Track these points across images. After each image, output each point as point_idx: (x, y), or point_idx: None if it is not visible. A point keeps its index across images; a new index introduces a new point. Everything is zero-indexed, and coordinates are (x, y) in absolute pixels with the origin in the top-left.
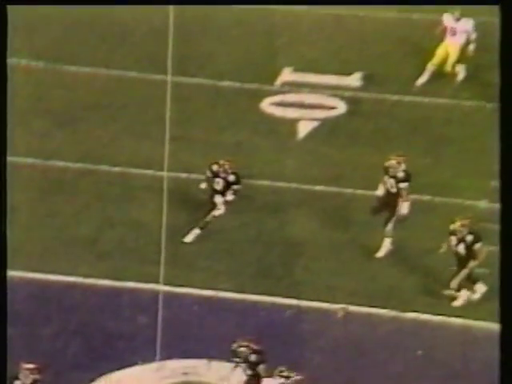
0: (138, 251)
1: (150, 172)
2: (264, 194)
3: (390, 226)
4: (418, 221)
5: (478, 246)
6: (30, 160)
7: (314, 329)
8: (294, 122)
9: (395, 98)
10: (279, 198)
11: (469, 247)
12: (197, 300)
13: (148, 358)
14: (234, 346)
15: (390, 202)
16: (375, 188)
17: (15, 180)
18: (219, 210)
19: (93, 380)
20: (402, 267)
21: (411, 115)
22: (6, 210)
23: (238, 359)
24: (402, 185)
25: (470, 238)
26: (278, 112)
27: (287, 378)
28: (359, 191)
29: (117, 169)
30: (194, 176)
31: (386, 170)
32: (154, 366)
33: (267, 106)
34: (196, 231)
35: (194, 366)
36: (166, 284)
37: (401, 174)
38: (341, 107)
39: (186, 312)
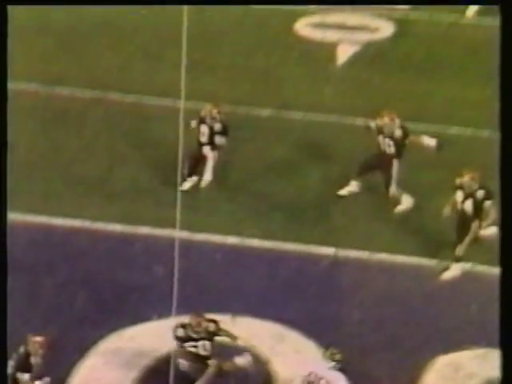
0: (152, 192)
1: (165, 101)
2: (297, 128)
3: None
4: None
5: (488, 203)
6: (31, 86)
7: (352, 281)
8: (332, 46)
9: (450, 19)
10: (315, 132)
11: (478, 205)
12: (219, 248)
13: (164, 313)
14: None
15: (384, 161)
16: (425, 120)
17: (14, 110)
18: (207, 175)
19: (103, 337)
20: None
21: (467, 38)
22: (6, 145)
23: None
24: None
25: (480, 193)
26: (315, 34)
27: (340, 362)
28: (407, 123)
29: (129, 97)
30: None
31: (380, 130)
32: (171, 321)
33: (302, 27)
34: (194, 179)
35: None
36: (182, 229)
37: (398, 132)
38: (387, 29)
39: (206, 261)
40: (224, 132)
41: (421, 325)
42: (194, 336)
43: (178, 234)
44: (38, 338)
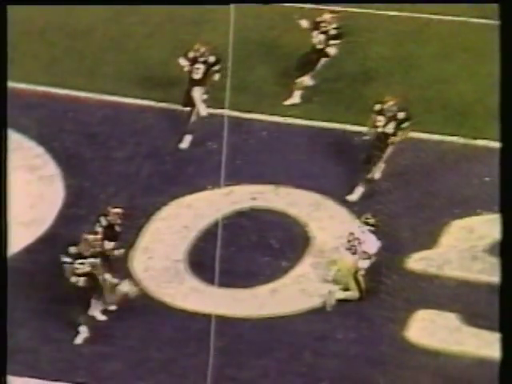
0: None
1: None
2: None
3: None
4: None
5: (406, 124)
6: None
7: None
8: None
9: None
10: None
11: (398, 125)
12: (265, 126)
13: (216, 183)
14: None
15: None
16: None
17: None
18: (203, 110)
19: (165, 204)
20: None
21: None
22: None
23: None
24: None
25: (401, 115)
26: None
27: (373, 226)
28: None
29: None
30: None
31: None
32: (223, 190)
33: None
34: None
35: (261, 191)
36: (232, 109)
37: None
38: None
39: (253, 137)
40: (218, 61)
41: (440, 194)
42: (85, 254)
43: (228, 113)
44: (118, 210)
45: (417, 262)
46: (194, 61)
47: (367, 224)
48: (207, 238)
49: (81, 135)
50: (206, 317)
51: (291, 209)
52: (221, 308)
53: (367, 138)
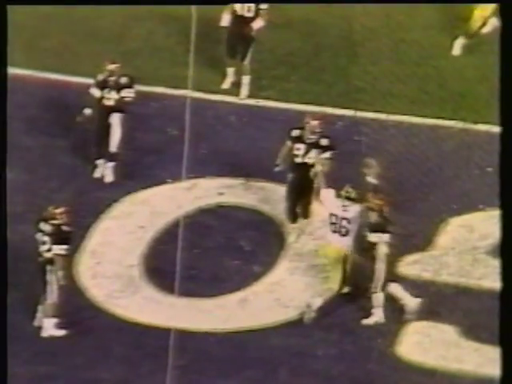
0: (167, 50)
1: None
2: None
3: None
4: None
5: (329, 154)
6: None
7: (370, 142)
8: None
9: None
10: None
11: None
12: (233, 109)
13: (177, 176)
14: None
15: None
16: None
17: None
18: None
19: (117, 200)
20: (476, 67)
21: None
22: None
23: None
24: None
25: (325, 142)
26: None
27: (355, 200)
28: None
29: None
30: None
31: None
32: (185, 184)
33: None
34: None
35: (230, 185)
36: (196, 90)
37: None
38: None
39: (220, 123)
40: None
41: (436, 186)
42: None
43: (191, 94)
44: (61, 209)
45: (409, 265)
46: (103, 85)
47: (349, 198)
48: (166, 239)
49: (17, 120)
50: (165, 331)
51: (264, 205)
52: (181, 321)
53: (279, 169)
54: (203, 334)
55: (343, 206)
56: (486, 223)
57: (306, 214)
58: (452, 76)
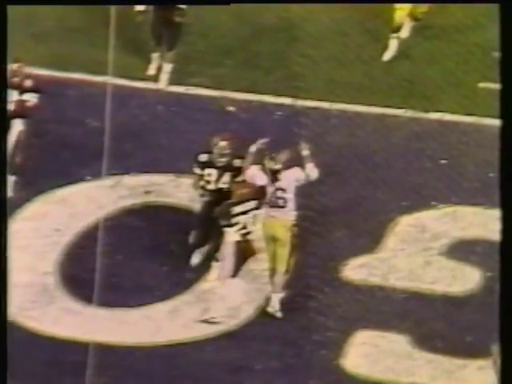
0: (84, 31)
1: None
2: None
3: None
4: None
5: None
6: None
7: (311, 134)
8: None
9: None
10: None
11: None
12: (160, 98)
13: (98, 172)
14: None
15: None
16: None
17: None
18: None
19: (29, 199)
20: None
21: None
22: None
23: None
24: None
25: (238, 162)
26: None
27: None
28: None
29: None
30: None
31: None
32: (106, 182)
33: None
34: None
35: (158, 182)
36: (117, 76)
37: None
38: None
39: (146, 113)
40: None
41: (384, 182)
42: None
43: (112, 80)
44: None
45: (355, 269)
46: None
47: (276, 161)
48: (86, 243)
49: None
50: (83, 345)
51: (196, 204)
52: (102, 334)
53: (205, 199)
54: (127, 349)
55: (272, 176)
56: (439, 222)
57: (217, 242)
58: (400, 60)
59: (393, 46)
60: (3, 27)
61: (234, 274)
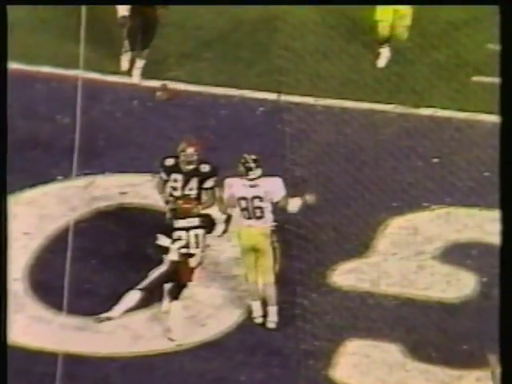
0: (55, 24)
1: None
2: None
3: None
4: None
5: (211, 182)
6: None
7: (295, 130)
8: None
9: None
10: None
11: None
12: (135, 93)
13: (69, 172)
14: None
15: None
16: None
17: None
18: None
19: None
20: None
21: None
22: None
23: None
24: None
25: (206, 167)
26: None
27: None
28: None
29: None
30: None
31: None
32: (79, 182)
33: None
34: None
35: (133, 182)
36: (89, 69)
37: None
38: None
39: (120, 109)
40: None
41: (373, 182)
42: None
43: (83, 74)
44: None
45: (343, 275)
46: None
47: (254, 161)
48: (57, 247)
49: None
50: (53, 356)
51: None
52: (73, 344)
53: (170, 206)
54: (101, 360)
55: (250, 183)
56: (432, 224)
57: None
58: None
59: (385, 53)
60: (3, 27)
61: (174, 297)
